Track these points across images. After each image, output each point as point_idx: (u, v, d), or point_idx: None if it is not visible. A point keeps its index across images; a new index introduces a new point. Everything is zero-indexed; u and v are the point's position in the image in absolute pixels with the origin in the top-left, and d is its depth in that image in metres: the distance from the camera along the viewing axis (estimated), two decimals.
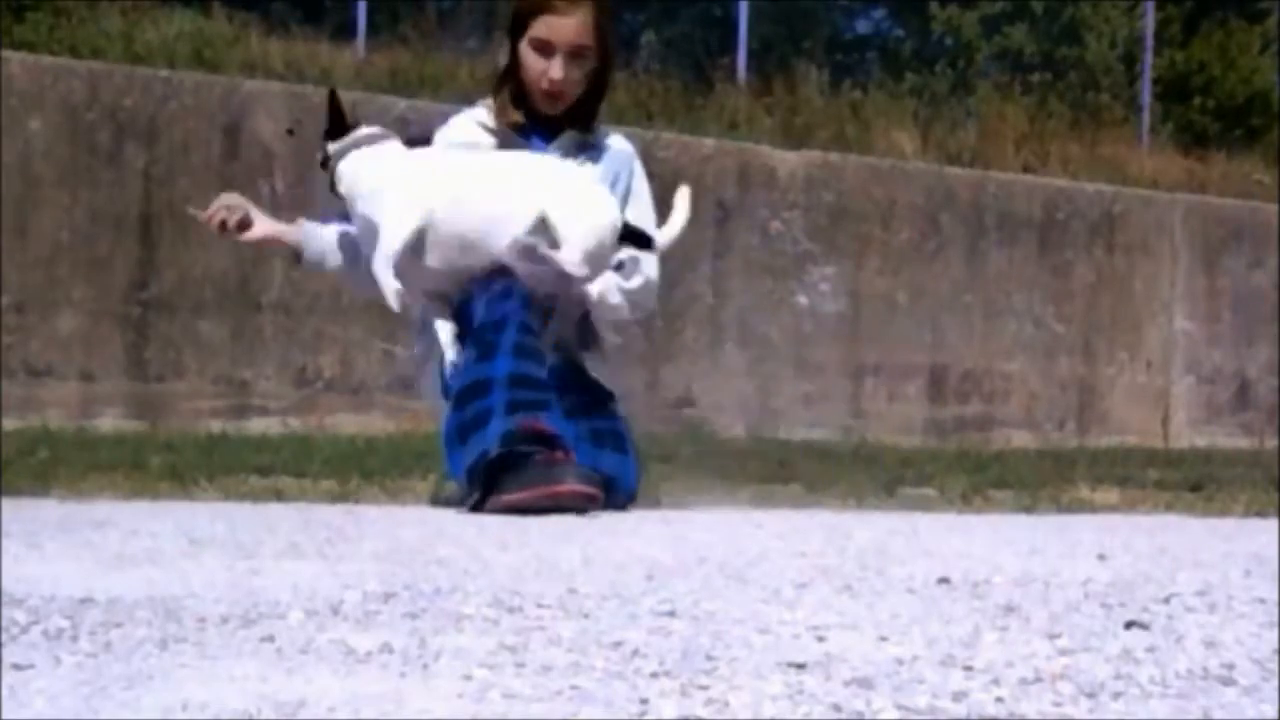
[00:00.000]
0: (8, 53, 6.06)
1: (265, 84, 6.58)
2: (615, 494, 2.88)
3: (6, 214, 5.89)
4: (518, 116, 3.03)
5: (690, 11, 10.48)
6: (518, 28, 3.04)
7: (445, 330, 2.94)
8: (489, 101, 3.10)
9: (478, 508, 2.70)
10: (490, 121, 3.06)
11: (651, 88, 8.04)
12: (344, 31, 7.82)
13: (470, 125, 3.08)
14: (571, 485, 2.61)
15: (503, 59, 3.09)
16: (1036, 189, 8.31)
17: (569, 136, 3.07)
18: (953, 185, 8.02)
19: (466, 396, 2.77)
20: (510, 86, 3.05)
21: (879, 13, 11.55)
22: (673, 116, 7.70)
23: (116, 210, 6.10)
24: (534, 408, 2.72)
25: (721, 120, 7.92)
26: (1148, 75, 9.90)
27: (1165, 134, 9.97)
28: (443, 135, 3.09)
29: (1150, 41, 9.96)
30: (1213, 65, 10.64)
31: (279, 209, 6.42)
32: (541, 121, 3.06)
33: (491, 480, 2.67)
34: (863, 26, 11.73)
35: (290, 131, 6.44)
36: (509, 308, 2.81)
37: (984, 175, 8.21)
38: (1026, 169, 8.58)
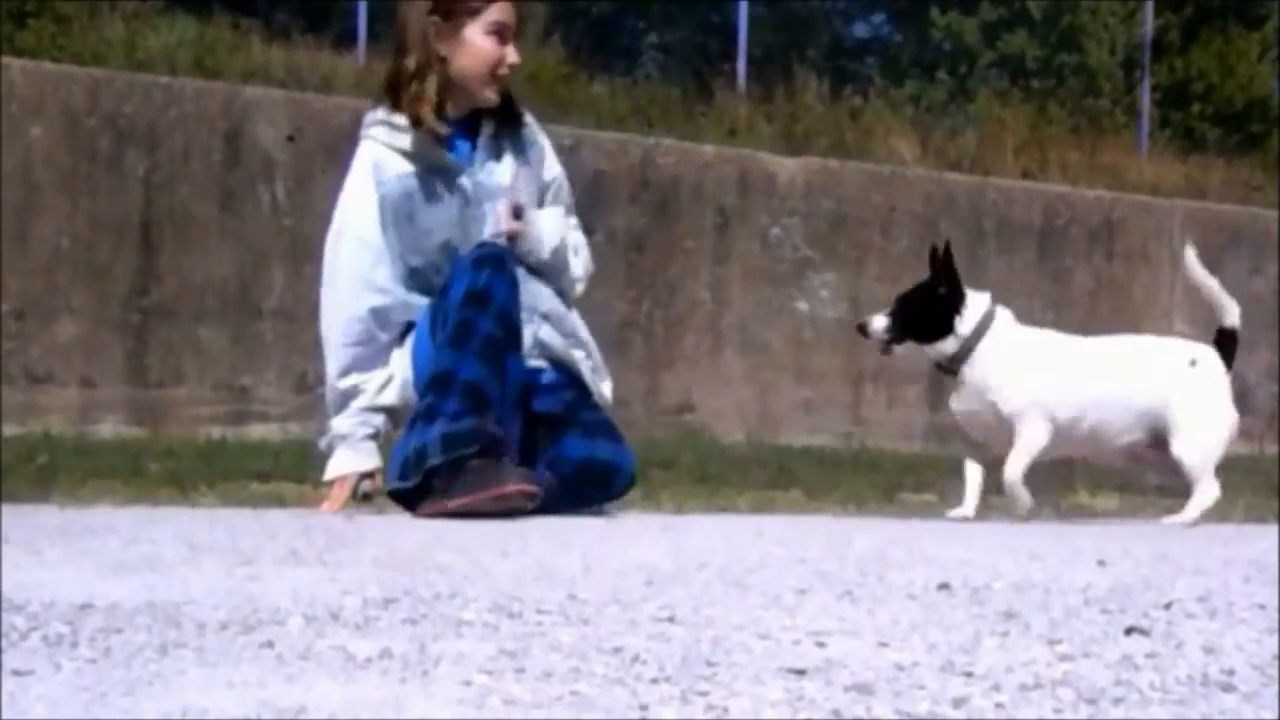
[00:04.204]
0: (9, 59, 6.06)
1: (266, 91, 6.59)
2: (617, 481, 2.91)
3: (7, 221, 5.89)
4: (441, 127, 2.92)
5: (690, 18, 10.49)
6: (457, 16, 2.92)
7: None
8: (386, 114, 2.95)
9: (410, 506, 2.73)
10: (403, 139, 2.93)
11: (651, 94, 8.04)
12: (345, 39, 7.83)
13: (383, 152, 2.95)
14: (514, 485, 2.64)
15: (416, 57, 2.92)
16: (1036, 195, 8.31)
17: (489, 135, 2.98)
18: (952, 191, 8.02)
19: (429, 386, 2.79)
20: (418, 88, 2.90)
21: (879, 19, 11.57)
22: (672, 123, 7.70)
23: (117, 217, 6.10)
24: (481, 413, 2.72)
25: (721, 127, 7.92)
26: (1147, 81, 9.91)
27: (1164, 140, 9.98)
28: (365, 173, 2.95)
29: (1149, 48, 9.97)
30: (1212, 72, 10.65)
31: (279, 215, 6.46)
32: (454, 120, 2.97)
33: (428, 483, 2.69)
34: (862, 33, 11.75)
35: (291, 138, 6.45)
36: (498, 284, 2.78)
37: (983, 181, 8.21)
38: (1026, 175, 8.59)
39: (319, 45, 7.58)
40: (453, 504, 2.64)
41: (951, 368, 3.25)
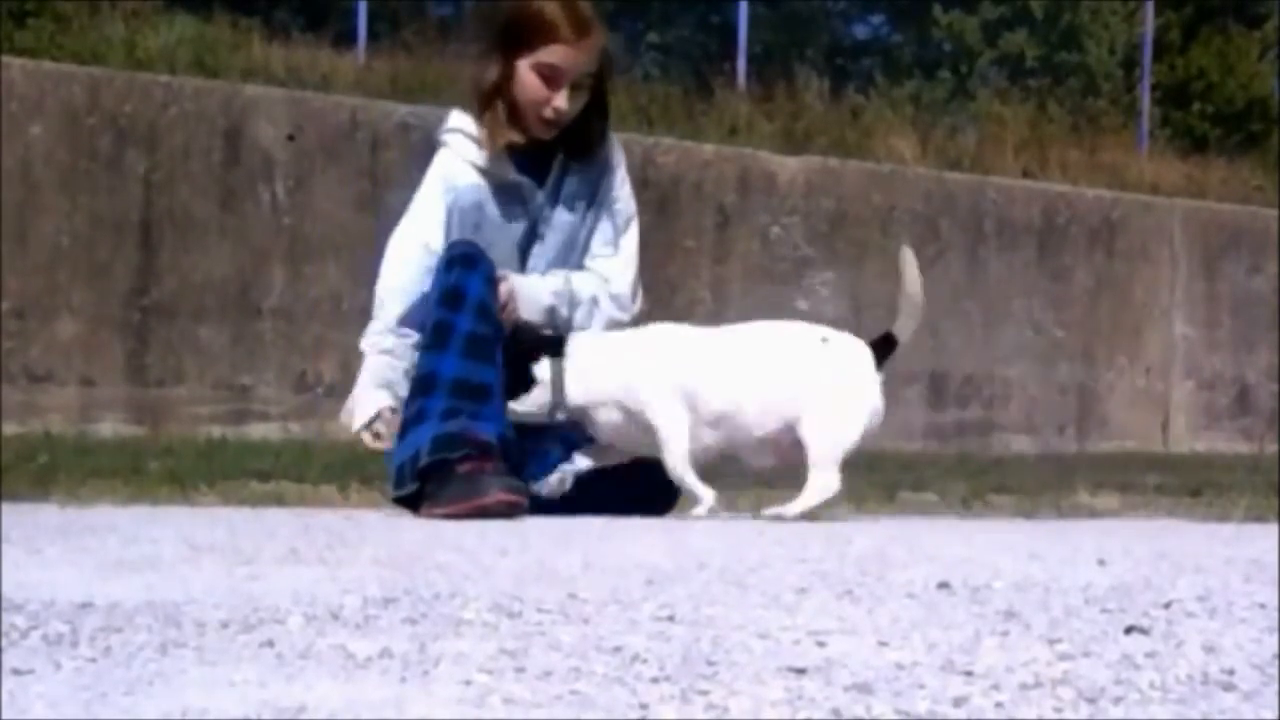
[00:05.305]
0: (9, 59, 6.07)
1: (266, 90, 6.59)
2: (665, 500, 2.92)
3: (7, 219, 5.89)
4: (516, 137, 2.91)
5: (690, 17, 10.50)
6: (516, 45, 2.90)
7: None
8: (465, 121, 2.96)
9: (413, 508, 2.74)
10: (475, 153, 2.93)
11: (651, 93, 8.05)
12: (345, 38, 7.83)
13: (460, 164, 2.94)
14: (496, 496, 2.64)
15: (491, 74, 2.92)
16: (1036, 194, 8.31)
17: (560, 164, 2.97)
18: (952, 191, 8.02)
19: (414, 390, 2.79)
20: (503, 108, 2.90)
21: (879, 18, 11.58)
22: (673, 122, 7.71)
23: (117, 216, 6.10)
24: (471, 415, 2.72)
25: (722, 126, 7.93)
26: (1147, 81, 9.92)
27: (1164, 140, 9.98)
28: (440, 179, 2.95)
29: (1149, 47, 9.97)
30: (1212, 71, 10.66)
31: (279, 214, 6.46)
32: (530, 143, 2.95)
33: (422, 486, 2.71)
34: (862, 32, 11.76)
35: (291, 137, 6.45)
36: (470, 281, 2.78)
37: (984, 181, 8.21)
38: (1026, 174, 8.59)
39: (319, 44, 7.59)
40: (439, 511, 2.66)
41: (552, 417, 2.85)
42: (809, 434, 2.79)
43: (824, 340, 2.88)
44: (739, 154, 7.51)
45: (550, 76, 2.88)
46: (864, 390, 2.84)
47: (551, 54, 2.88)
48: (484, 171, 2.94)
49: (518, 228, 2.96)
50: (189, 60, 6.75)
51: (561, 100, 2.89)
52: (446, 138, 2.99)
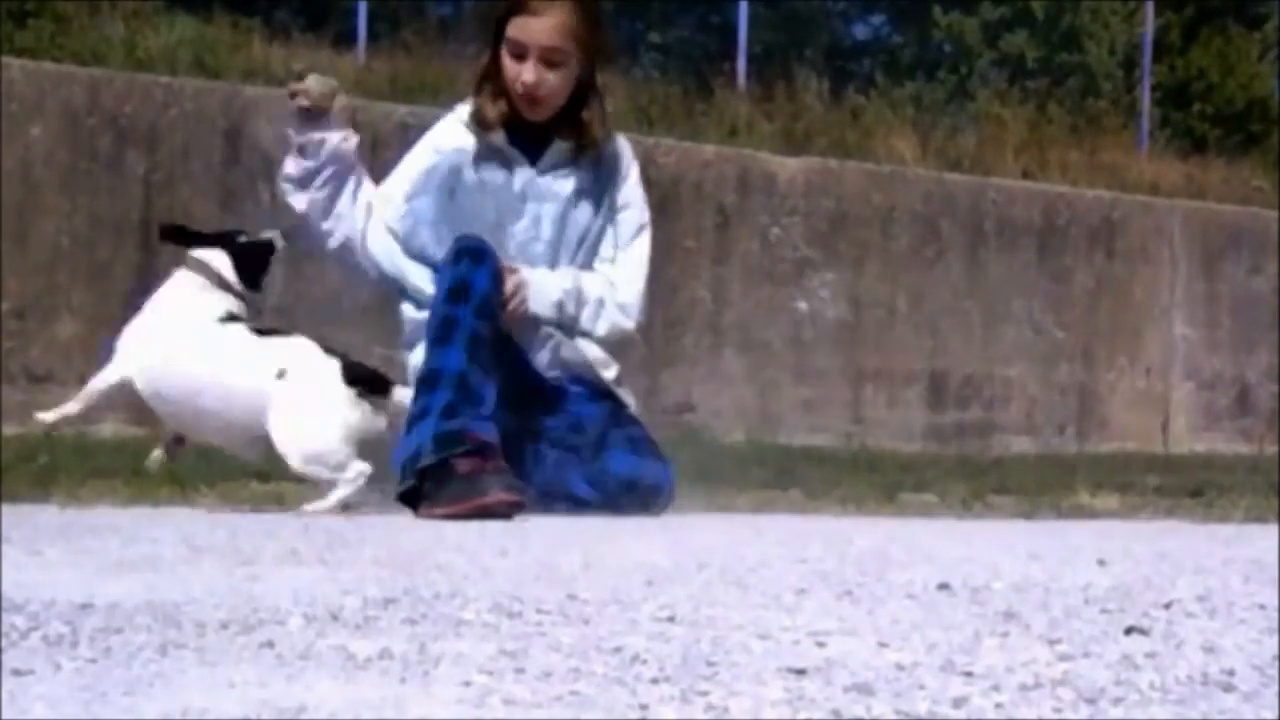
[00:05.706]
0: (9, 59, 6.06)
1: (266, 90, 6.58)
2: (659, 501, 2.92)
3: (7, 220, 5.89)
4: (493, 116, 2.98)
5: (690, 17, 10.50)
6: (498, 28, 3.00)
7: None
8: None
9: (413, 507, 2.74)
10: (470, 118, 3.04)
11: (651, 93, 8.05)
12: (345, 38, 7.83)
13: (458, 127, 3.04)
14: (497, 495, 2.65)
15: (485, 59, 3.05)
16: (1036, 195, 8.31)
17: (558, 149, 3.02)
18: (952, 191, 8.02)
19: (419, 387, 2.81)
20: (491, 87, 3.00)
21: (879, 19, 11.58)
22: (673, 122, 7.70)
23: (117, 216, 6.10)
24: (470, 415, 2.73)
25: (721, 126, 7.93)
26: (1147, 81, 9.92)
27: (1164, 140, 9.98)
28: (431, 139, 3.07)
29: (1149, 48, 9.98)
30: (1212, 71, 10.66)
31: (280, 215, 6.45)
32: (529, 128, 3.01)
33: (422, 485, 2.71)
34: (862, 33, 11.76)
35: None
36: (476, 276, 2.81)
37: (984, 181, 8.21)
38: (1026, 175, 8.59)
39: (319, 45, 7.59)
40: (439, 511, 2.66)
41: None
42: (274, 436, 2.90)
43: (281, 373, 2.91)
44: (739, 154, 7.51)
45: (516, 52, 2.95)
46: (327, 398, 2.83)
47: (514, 26, 2.96)
48: (479, 135, 3.01)
49: (496, 201, 2.99)
50: (189, 61, 6.75)
51: (528, 73, 2.93)
52: (459, 106, 3.07)
